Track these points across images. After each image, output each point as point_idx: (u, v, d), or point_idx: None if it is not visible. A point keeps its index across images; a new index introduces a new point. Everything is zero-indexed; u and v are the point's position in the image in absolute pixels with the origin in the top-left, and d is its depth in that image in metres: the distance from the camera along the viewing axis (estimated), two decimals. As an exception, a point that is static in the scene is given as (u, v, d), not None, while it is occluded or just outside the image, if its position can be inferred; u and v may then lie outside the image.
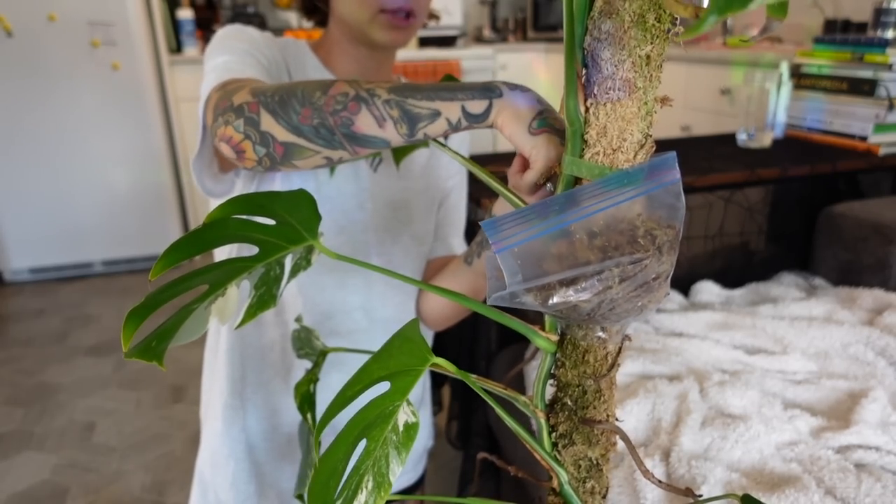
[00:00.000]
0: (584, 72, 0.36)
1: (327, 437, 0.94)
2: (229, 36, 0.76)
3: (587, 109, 0.36)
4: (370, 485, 0.34)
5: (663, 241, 0.34)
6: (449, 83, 0.51)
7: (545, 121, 0.49)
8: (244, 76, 0.68)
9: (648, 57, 0.33)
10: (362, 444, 0.35)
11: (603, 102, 0.35)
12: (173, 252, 0.41)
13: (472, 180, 1.36)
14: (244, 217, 0.45)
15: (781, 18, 0.26)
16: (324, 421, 0.38)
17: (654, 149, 0.36)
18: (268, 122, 0.54)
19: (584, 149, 0.37)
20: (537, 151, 0.48)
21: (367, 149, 0.53)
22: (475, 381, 0.41)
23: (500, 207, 0.71)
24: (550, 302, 0.34)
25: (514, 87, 0.50)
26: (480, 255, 0.80)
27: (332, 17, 0.84)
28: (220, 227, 0.44)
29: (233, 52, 0.73)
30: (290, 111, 0.53)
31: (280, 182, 0.81)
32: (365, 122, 0.51)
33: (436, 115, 0.50)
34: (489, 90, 0.50)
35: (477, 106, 0.49)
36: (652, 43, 0.33)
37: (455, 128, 0.50)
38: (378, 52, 0.84)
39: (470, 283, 0.84)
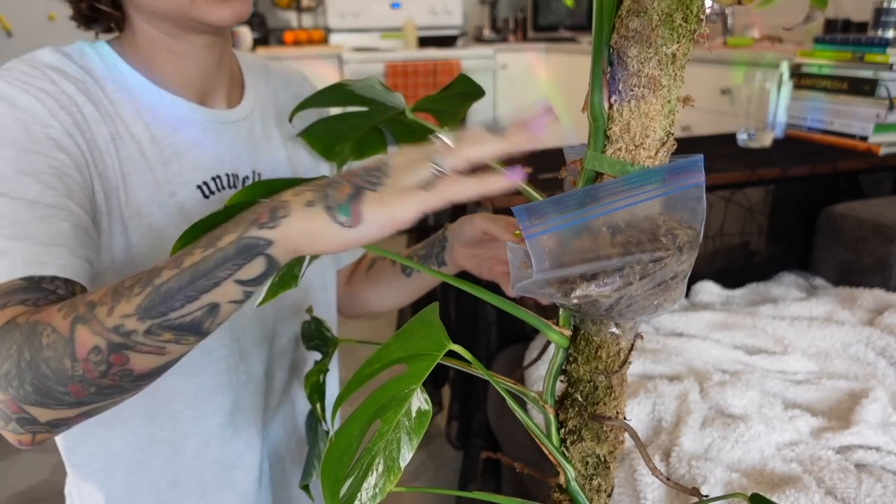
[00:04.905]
0: (609, 69, 0.36)
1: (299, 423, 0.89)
2: None
3: (611, 106, 0.37)
4: (381, 468, 0.35)
5: (684, 241, 0.34)
6: (198, 263, 0.40)
7: (351, 196, 0.38)
8: None
9: (674, 55, 0.33)
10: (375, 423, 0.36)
11: (627, 99, 0.35)
12: (193, 231, 0.45)
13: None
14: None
15: (823, 8, 0.26)
16: (342, 397, 0.39)
17: (675, 146, 0.36)
18: (45, 414, 0.43)
19: (605, 145, 0.37)
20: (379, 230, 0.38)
21: (169, 367, 0.45)
22: (487, 373, 0.41)
23: (455, 227, 0.70)
24: (573, 295, 0.35)
25: (277, 208, 0.40)
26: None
27: (139, 17, 0.65)
28: (241, 210, 0.46)
29: None
30: (57, 394, 0.42)
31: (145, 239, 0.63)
32: (145, 363, 0.42)
33: (213, 307, 0.41)
34: (249, 247, 0.39)
35: (251, 270, 0.40)
36: (678, 42, 0.33)
37: (246, 298, 0.42)
38: (215, 39, 0.67)
39: (410, 293, 0.82)
